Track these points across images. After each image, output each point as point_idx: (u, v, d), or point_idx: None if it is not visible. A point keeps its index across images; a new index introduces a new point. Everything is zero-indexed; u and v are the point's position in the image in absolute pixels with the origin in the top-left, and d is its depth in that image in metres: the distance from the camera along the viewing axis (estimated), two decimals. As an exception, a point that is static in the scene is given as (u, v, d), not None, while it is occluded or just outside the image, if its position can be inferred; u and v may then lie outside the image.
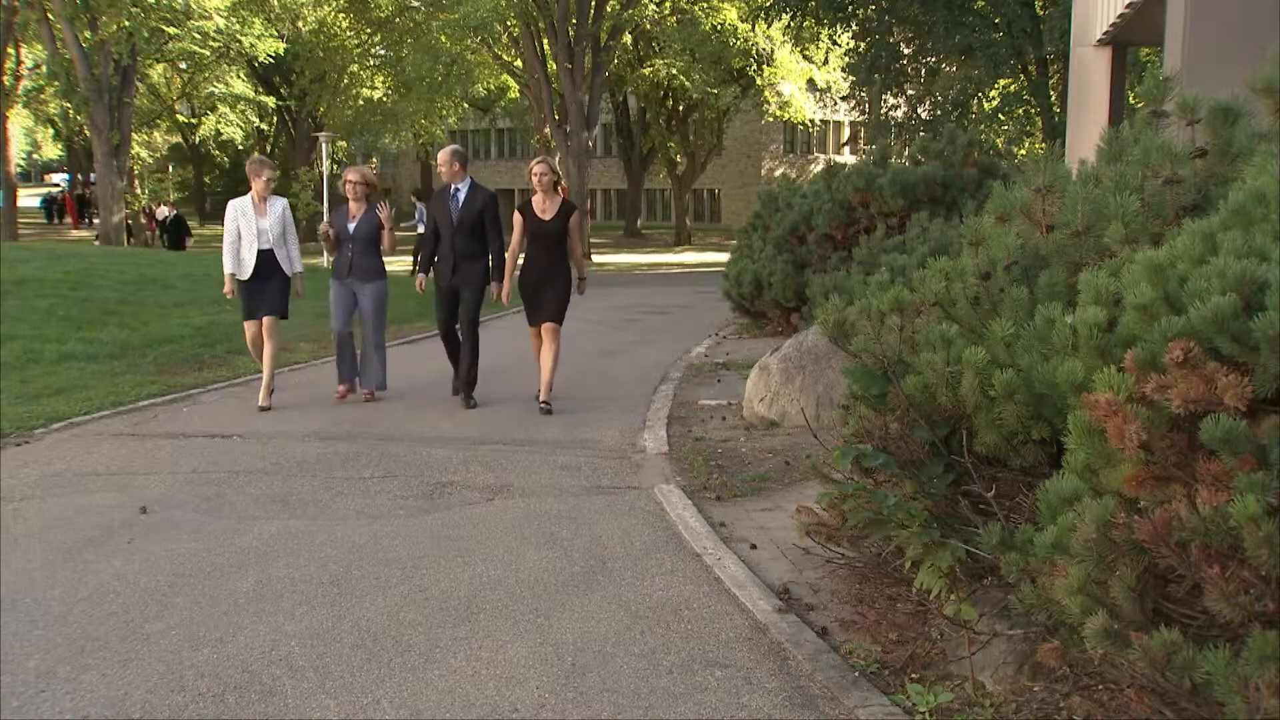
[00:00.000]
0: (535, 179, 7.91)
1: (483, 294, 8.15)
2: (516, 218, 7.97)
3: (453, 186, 8.11)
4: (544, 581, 4.49)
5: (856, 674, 3.53)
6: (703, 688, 3.49)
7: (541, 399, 7.99)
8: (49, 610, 4.16)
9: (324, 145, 27.02)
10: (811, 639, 3.82)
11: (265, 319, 8.08)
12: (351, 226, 8.29)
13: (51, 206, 46.90)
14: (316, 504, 5.64)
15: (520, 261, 8.08)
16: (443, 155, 8.21)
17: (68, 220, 44.30)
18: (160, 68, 35.81)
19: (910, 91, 25.24)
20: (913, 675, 3.51)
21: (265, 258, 8.02)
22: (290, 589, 4.39)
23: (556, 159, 32.84)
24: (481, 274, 8.13)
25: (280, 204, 8.19)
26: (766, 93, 36.02)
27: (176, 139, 45.53)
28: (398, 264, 20.71)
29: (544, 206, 7.90)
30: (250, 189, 8.13)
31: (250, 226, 8.02)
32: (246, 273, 8.02)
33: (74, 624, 4.02)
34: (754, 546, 4.91)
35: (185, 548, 4.92)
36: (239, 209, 8.09)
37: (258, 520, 5.35)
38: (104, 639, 3.88)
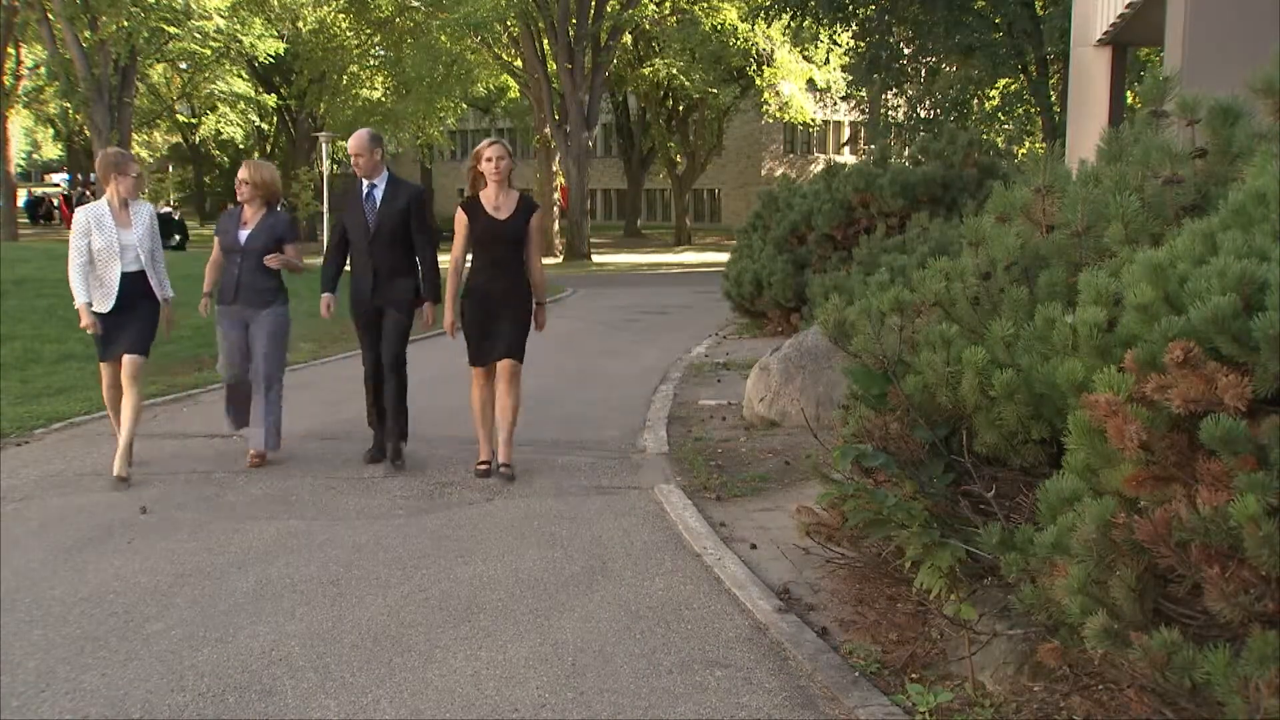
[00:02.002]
0: (488, 165, 5.92)
1: (411, 319, 6.34)
2: (460, 218, 5.99)
3: (366, 182, 6.29)
4: (544, 581, 4.49)
5: (856, 674, 3.53)
6: (703, 688, 3.49)
7: (501, 460, 6.10)
8: (49, 610, 4.16)
9: (324, 145, 27.03)
10: (811, 639, 3.82)
11: (125, 359, 6.05)
12: (243, 235, 6.30)
13: (38, 208, 46.57)
14: (316, 504, 5.64)
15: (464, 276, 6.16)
16: (356, 141, 6.28)
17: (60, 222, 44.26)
18: (160, 68, 35.82)
19: (910, 91, 25.24)
20: (913, 675, 3.51)
21: (131, 282, 6.06)
22: (290, 589, 4.38)
23: (556, 159, 33.01)
24: (409, 293, 6.30)
25: (146, 211, 6.30)
26: (766, 93, 36.03)
27: (176, 139, 45.59)
28: None
29: (497, 202, 5.93)
30: (108, 191, 6.14)
31: (110, 241, 6.03)
32: (109, 302, 6.04)
33: (74, 624, 4.02)
34: (754, 546, 4.91)
35: (185, 548, 4.92)
36: (93, 219, 6.06)
37: (258, 520, 5.35)
38: (104, 639, 3.88)
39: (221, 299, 6.36)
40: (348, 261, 6.45)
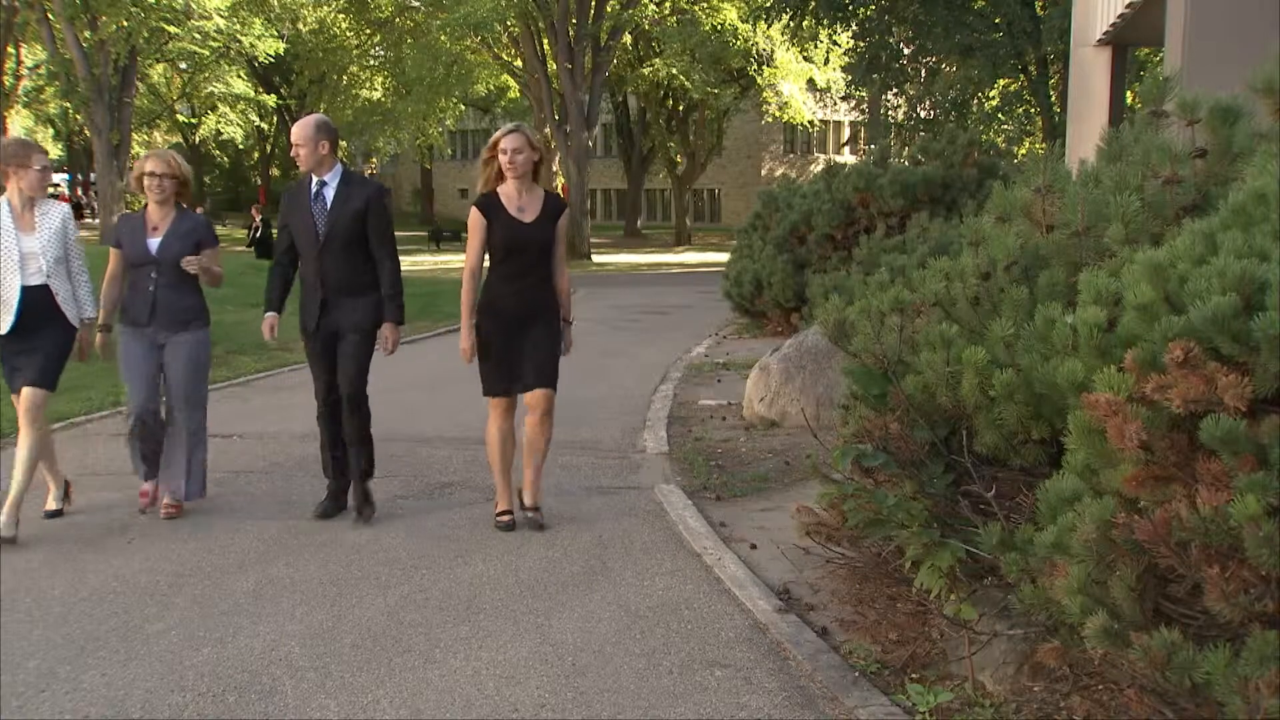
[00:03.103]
0: (505, 159, 4.97)
1: (371, 344, 5.25)
2: (475, 219, 5.02)
3: (314, 179, 5.21)
4: (544, 581, 4.49)
5: (856, 674, 3.53)
6: (703, 688, 3.49)
7: (528, 503, 5.27)
8: (49, 610, 4.16)
9: (324, 145, 27.00)
10: (811, 639, 3.82)
11: (24, 392, 5.00)
12: (154, 244, 5.19)
13: None
14: (316, 504, 5.64)
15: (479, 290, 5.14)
16: (301, 129, 5.19)
17: None
18: (160, 68, 35.84)
19: (910, 91, 25.25)
20: (913, 675, 3.51)
21: (35, 298, 5.00)
22: (290, 589, 4.38)
23: (556, 159, 33.02)
24: (369, 311, 5.20)
25: (58, 213, 5.14)
26: (766, 93, 36.04)
27: (176, 139, 45.57)
28: None
29: (521, 202, 5.01)
30: (7, 188, 5.07)
31: (9, 248, 4.97)
32: (7, 322, 4.97)
33: (74, 624, 4.02)
34: (754, 546, 4.91)
35: (185, 548, 4.92)
36: None
37: (258, 520, 5.35)
38: (104, 639, 3.88)
39: (130, 320, 5.27)
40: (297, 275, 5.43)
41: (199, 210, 5.84)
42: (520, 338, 5.02)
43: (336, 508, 5.41)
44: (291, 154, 5.25)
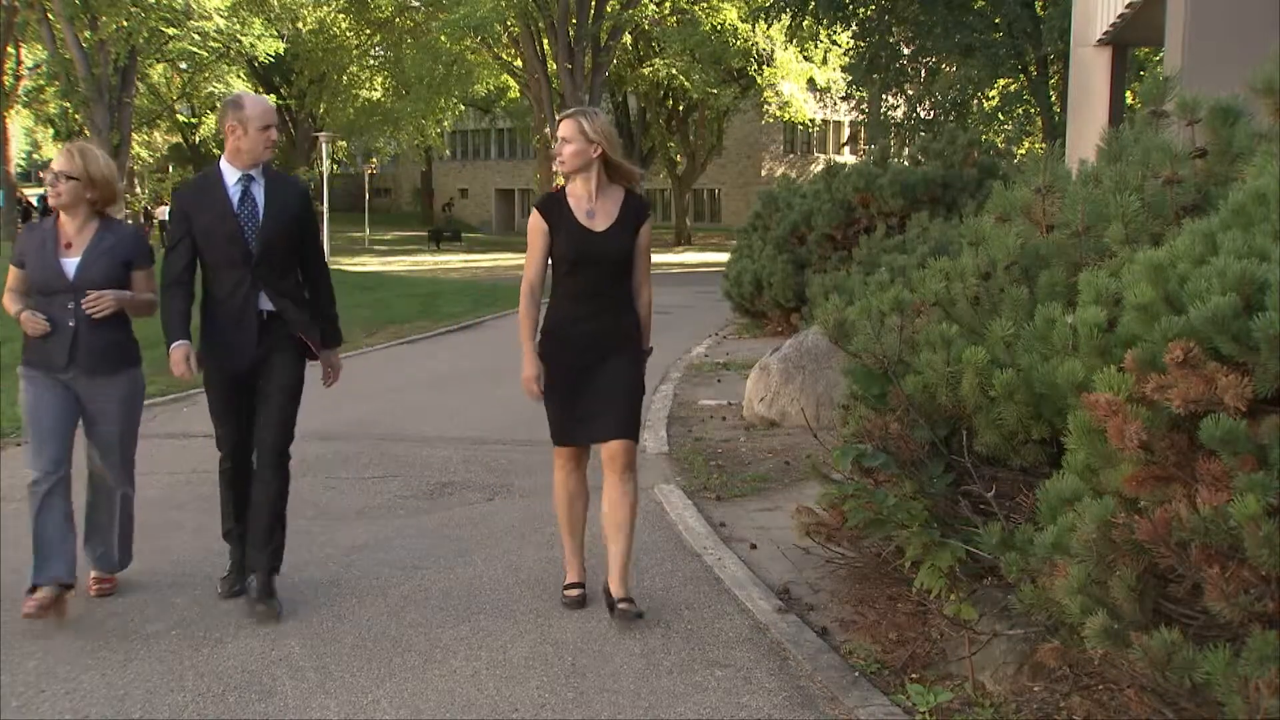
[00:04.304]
0: (567, 151, 4.01)
1: (303, 378, 4.23)
2: (536, 224, 4.06)
3: (235, 174, 4.06)
4: (544, 581, 4.49)
5: (856, 674, 3.53)
6: (703, 688, 3.49)
7: (617, 592, 4.04)
8: (49, 610, 4.15)
9: (324, 145, 27.04)
10: (811, 639, 3.82)
11: None
12: (69, 265, 4.04)
13: (27, 212, 46.18)
14: (316, 504, 5.64)
15: (542, 313, 4.17)
16: (251, 108, 4.06)
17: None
18: (160, 68, 35.84)
19: (910, 91, 25.25)
20: (913, 675, 3.51)
21: None
22: (290, 589, 4.38)
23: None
24: (307, 338, 4.21)
25: None
26: (766, 93, 36.05)
27: (176, 139, 45.57)
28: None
29: (591, 203, 4.03)
30: None
31: None
32: None
33: (74, 623, 4.01)
34: (754, 546, 4.91)
35: (185, 547, 4.92)
36: None
37: (258, 520, 5.34)
38: (104, 639, 3.88)
39: (40, 363, 4.08)
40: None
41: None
42: (592, 373, 4.01)
43: (243, 583, 4.30)
44: (265, 139, 4.05)
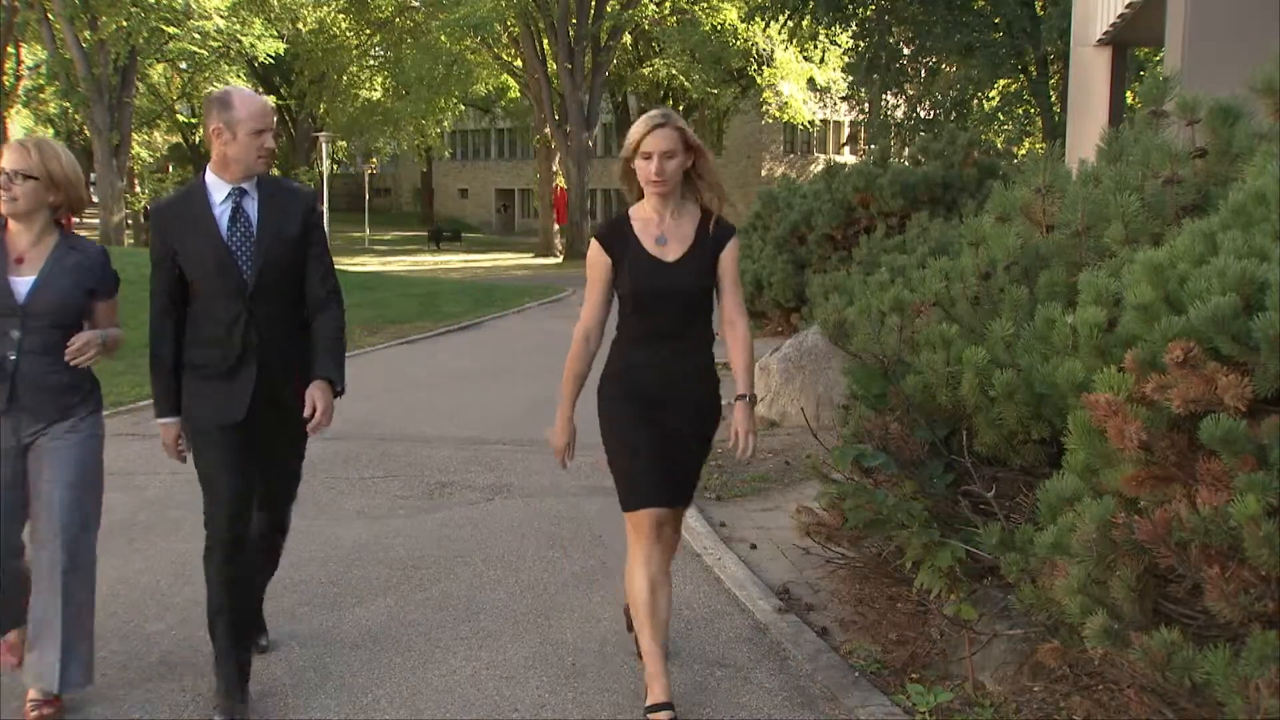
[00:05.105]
0: (645, 165, 3.26)
1: (306, 430, 3.37)
2: (596, 256, 3.37)
3: (224, 188, 3.29)
4: (544, 581, 4.49)
5: (856, 674, 3.53)
6: (703, 688, 3.49)
7: (657, 697, 3.22)
8: (49, 610, 4.15)
9: (324, 145, 27.04)
10: (811, 639, 3.82)
11: None
12: (20, 286, 3.23)
13: None
14: (316, 504, 5.64)
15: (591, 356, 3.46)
16: (242, 107, 3.25)
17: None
18: (160, 68, 35.84)
19: (910, 91, 25.26)
20: (913, 675, 3.51)
21: None
22: (290, 589, 4.38)
23: (556, 159, 33.02)
24: (302, 383, 3.36)
25: None
26: (766, 93, 36.06)
27: (176, 139, 45.55)
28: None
29: (662, 227, 3.33)
30: None
31: None
32: None
33: (74, 624, 4.01)
34: (754, 546, 4.91)
35: (185, 548, 4.91)
36: None
37: (258, 520, 5.34)
38: (104, 639, 3.87)
39: None
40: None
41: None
42: (659, 424, 3.34)
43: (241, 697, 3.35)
44: (258, 146, 3.27)
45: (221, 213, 3.28)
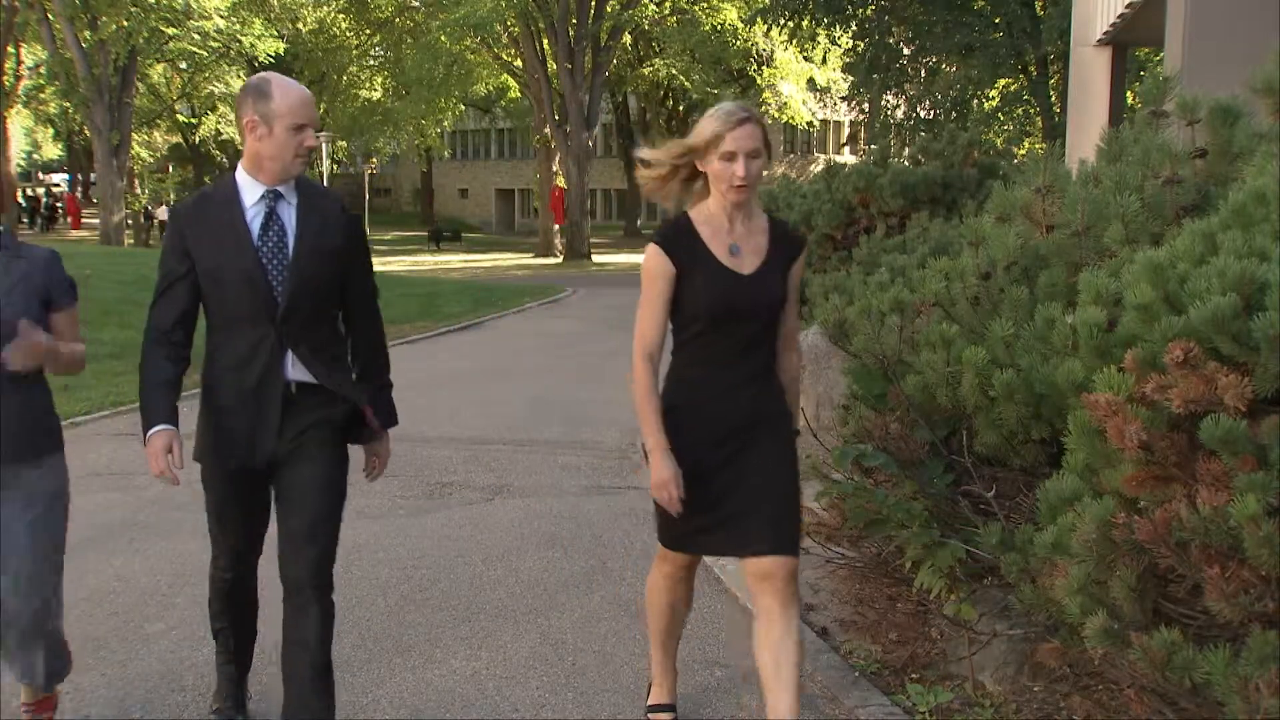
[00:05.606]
0: (723, 167, 2.81)
1: (346, 470, 3.11)
2: (658, 264, 2.92)
3: (259, 189, 2.85)
4: (544, 581, 4.49)
5: (856, 674, 3.53)
6: (703, 688, 3.49)
7: (656, 701, 3.27)
8: (49, 610, 4.15)
9: (324, 145, 27.03)
10: (811, 639, 3.82)
11: None
12: None
13: (34, 210, 46.14)
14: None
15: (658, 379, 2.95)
16: (281, 99, 2.80)
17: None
18: (160, 68, 35.84)
19: (910, 91, 25.27)
20: (913, 675, 3.51)
21: None
22: (290, 589, 4.38)
23: (556, 159, 33.01)
24: (342, 418, 3.04)
25: None
26: (766, 93, 36.06)
27: (176, 139, 45.55)
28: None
29: (734, 235, 2.92)
30: None
31: None
32: None
33: (74, 624, 4.00)
34: (754, 546, 4.90)
35: (185, 547, 4.91)
36: None
37: (258, 520, 5.34)
38: (104, 639, 3.87)
39: None
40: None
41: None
42: (735, 462, 2.93)
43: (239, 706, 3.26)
44: (297, 144, 2.83)
45: (253, 218, 2.83)
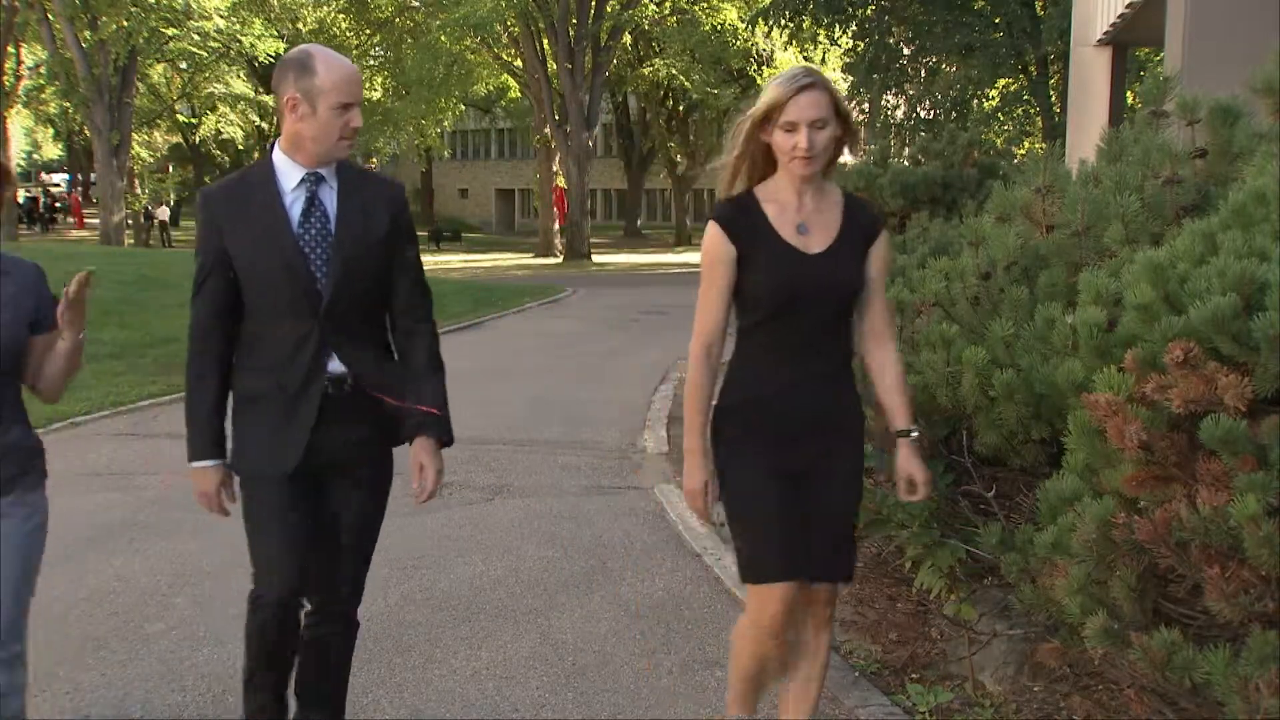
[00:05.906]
0: (785, 138, 2.51)
1: (388, 488, 3.00)
2: (719, 245, 2.61)
3: (299, 172, 2.61)
4: (544, 581, 4.49)
5: (856, 674, 3.53)
6: (703, 688, 3.49)
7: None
8: (49, 610, 4.14)
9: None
10: (811, 639, 3.82)
11: None
12: None
13: (34, 210, 46.08)
14: None
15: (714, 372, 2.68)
16: (326, 75, 2.53)
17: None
18: (160, 68, 35.84)
19: (910, 91, 25.27)
20: (913, 675, 3.51)
21: None
22: (290, 589, 4.38)
23: (556, 159, 32.99)
24: (388, 428, 2.85)
25: None
26: (766, 93, 36.05)
27: (176, 139, 45.54)
28: None
29: (802, 213, 2.59)
30: None
31: None
32: None
33: (74, 624, 4.01)
34: (754, 546, 4.90)
35: (185, 548, 4.92)
36: None
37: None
38: (104, 639, 3.87)
39: None
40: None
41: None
42: (808, 475, 2.65)
43: None
44: (342, 125, 2.58)
45: (292, 203, 2.60)
